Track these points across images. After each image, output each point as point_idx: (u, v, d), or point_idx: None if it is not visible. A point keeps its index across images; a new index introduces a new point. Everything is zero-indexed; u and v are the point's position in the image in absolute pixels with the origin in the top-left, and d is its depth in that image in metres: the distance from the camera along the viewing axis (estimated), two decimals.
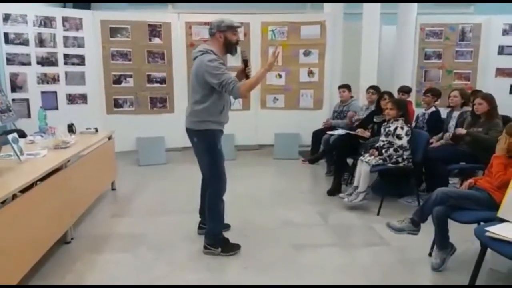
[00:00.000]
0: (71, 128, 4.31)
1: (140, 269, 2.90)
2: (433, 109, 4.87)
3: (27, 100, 5.43)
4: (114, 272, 2.85)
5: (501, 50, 6.35)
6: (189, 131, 3.07)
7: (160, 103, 6.24)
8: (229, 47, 2.98)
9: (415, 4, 6.41)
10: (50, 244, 2.95)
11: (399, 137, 3.92)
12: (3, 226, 2.29)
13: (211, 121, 2.96)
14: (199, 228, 3.46)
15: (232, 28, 2.96)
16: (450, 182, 4.38)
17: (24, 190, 2.59)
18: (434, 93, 4.93)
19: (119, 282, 2.72)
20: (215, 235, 3.11)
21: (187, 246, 3.24)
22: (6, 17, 5.22)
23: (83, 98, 5.87)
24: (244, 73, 3.04)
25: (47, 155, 3.29)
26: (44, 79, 5.55)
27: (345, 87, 5.74)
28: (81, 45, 5.77)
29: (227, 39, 2.94)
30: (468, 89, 5.72)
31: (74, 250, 3.20)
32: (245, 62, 3.04)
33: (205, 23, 6.14)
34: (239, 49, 3.08)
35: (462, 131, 4.06)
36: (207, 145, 3.01)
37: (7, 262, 2.33)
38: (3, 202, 2.31)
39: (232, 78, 2.84)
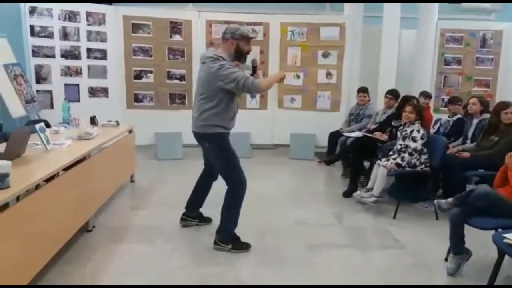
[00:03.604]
0: (93, 120, 4.41)
1: (158, 260, 2.96)
2: (458, 116, 4.85)
3: (50, 91, 5.57)
4: (132, 262, 2.93)
5: None
6: (198, 136, 3.08)
7: (179, 99, 6.32)
8: (239, 56, 3.00)
9: (436, 9, 6.39)
10: (73, 232, 3.04)
11: (414, 140, 3.93)
12: (29, 213, 2.36)
13: (220, 126, 2.99)
14: (182, 219, 3.53)
15: (246, 38, 2.98)
16: (468, 189, 4.35)
17: (49, 179, 2.67)
18: (458, 102, 4.94)
19: (137, 272, 2.79)
20: (228, 233, 3.14)
21: (204, 240, 3.30)
22: (32, 10, 5.36)
23: (105, 91, 5.99)
24: (252, 65, 3.08)
25: (71, 145, 3.39)
26: (67, 71, 5.68)
27: (365, 91, 5.73)
28: (103, 40, 5.89)
29: (238, 47, 2.96)
30: (487, 96, 5.68)
31: (95, 238, 3.29)
32: (254, 68, 3.08)
33: (225, 22, 6.21)
34: (249, 58, 3.10)
35: (465, 155, 4.10)
36: (219, 148, 3.04)
37: (34, 248, 2.42)
38: (36, 187, 2.40)
39: (248, 75, 2.90)
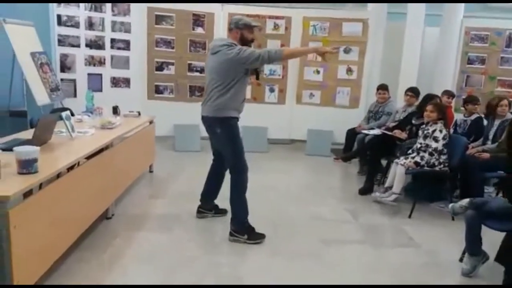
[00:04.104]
0: (115, 110, 4.50)
1: (175, 249, 3.04)
2: (476, 115, 4.79)
3: (74, 80, 5.71)
4: (150, 250, 3.02)
5: None
6: (210, 120, 3.19)
7: (199, 92, 6.38)
8: (244, 43, 3.13)
9: (462, 6, 6.26)
10: (93, 218, 3.14)
11: (436, 140, 3.90)
12: (54, 199, 2.45)
13: (233, 109, 3.12)
14: (198, 212, 3.61)
15: (249, 27, 3.15)
16: (486, 191, 4.32)
17: (71, 167, 2.75)
18: (477, 102, 4.87)
19: (153, 259, 2.88)
20: (241, 221, 3.21)
21: (219, 230, 3.37)
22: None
23: (127, 82, 6.10)
24: (255, 70, 3.29)
25: (94, 134, 3.48)
26: (91, 61, 5.81)
27: (385, 88, 5.68)
28: (127, 31, 5.98)
29: (243, 36, 3.14)
30: (511, 97, 5.56)
31: (114, 226, 3.39)
32: (257, 74, 3.31)
33: (247, 15, 6.20)
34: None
35: (485, 155, 4.05)
36: (230, 133, 3.15)
37: (55, 234, 2.50)
38: (58, 175, 2.49)
39: (268, 48, 3.12)
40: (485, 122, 4.76)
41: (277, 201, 4.19)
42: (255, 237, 3.19)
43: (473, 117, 4.88)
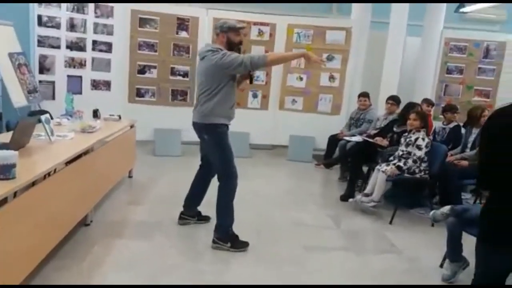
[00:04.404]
0: (96, 114, 4.43)
1: (156, 256, 2.98)
2: (454, 123, 4.90)
3: (53, 82, 5.58)
4: (130, 257, 2.95)
5: None
6: (198, 126, 3.16)
7: (181, 96, 6.33)
8: (232, 47, 3.09)
9: (442, 18, 6.41)
10: (72, 225, 3.05)
11: (419, 148, 3.97)
12: (31, 205, 2.37)
13: (221, 115, 3.07)
14: (180, 218, 3.54)
15: (235, 30, 3.10)
16: (463, 197, 4.40)
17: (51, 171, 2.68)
18: (456, 110, 5.00)
19: (134, 267, 2.81)
20: (225, 230, 3.17)
21: (201, 237, 3.32)
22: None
23: (107, 85, 6.00)
24: (249, 75, 3.24)
25: (74, 138, 3.40)
26: (71, 63, 5.69)
27: (366, 96, 5.77)
28: (110, 33, 5.89)
29: (229, 40, 3.08)
30: (488, 107, 5.71)
31: (93, 233, 3.30)
32: (251, 78, 3.25)
33: None
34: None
35: (464, 163, 4.16)
36: (218, 140, 3.11)
37: (32, 242, 2.42)
38: (33, 183, 2.40)
39: (252, 54, 3.04)
40: (463, 130, 4.88)
41: (260, 206, 4.17)
42: (238, 245, 3.15)
43: (452, 125, 4.99)
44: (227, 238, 3.14)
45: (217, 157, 3.15)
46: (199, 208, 3.60)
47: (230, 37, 3.08)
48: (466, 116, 4.68)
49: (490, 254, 1.95)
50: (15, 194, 2.21)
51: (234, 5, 6.81)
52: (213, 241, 3.17)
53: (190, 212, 3.56)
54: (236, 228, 3.23)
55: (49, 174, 2.64)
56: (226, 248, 3.12)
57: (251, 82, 3.37)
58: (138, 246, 3.13)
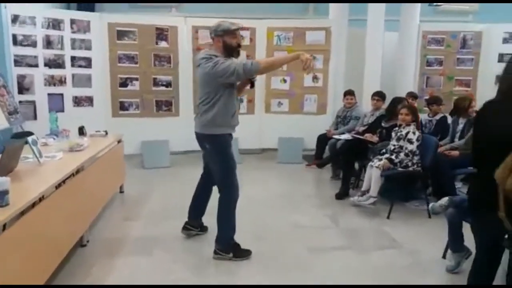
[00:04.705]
0: (81, 131, 4.32)
1: (158, 273, 2.92)
2: (441, 115, 4.98)
3: (33, 102, 5.41)
4: (132, 275, 2.87)
5: (501, 58, 6.47)
6: (200, 136, 3.06)
7: (166, 106, 6.26)
8: (230, 51, 2.94)
9: (418, 12, 6.52)
10: (69, 248, 2.95)
11: (410, 142, 4.01)
12: (27, 232, 2.28)
13: (223, 125, 2.97)
14: (185, 228, 3.45)
15: (230, 32, 2.91)
16: (456, 186, 4.46)
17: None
18: (441, 102, 5.07)
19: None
20: (227, 241, 3.11)
21: (203, 250, 3.26)
22: (15, 19, 5.20)
23: (89, 100, 5.88)
24: (249, 80, 3.10)
25: (63, 158, 3.31)
26: (51, 81, 5.54)
27: (352, 94, 5.81)
28: (88, 48, 5.78)
29: (226, 44, 2.91)
30: (469, 96, 5.82)
31: (91, 253, 3.21)
32: (252, 83, 3.12)
33: None
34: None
35: (455, 153, 4.22)
36: (219, 152, 3.02)
37: (31, 268, 2.33)
38: (30, 206, 2.32)
39: (244, 61, 2.84)
40: (448, 120, 4.96)
41: (257, 212, 4.13)
42: (241, 254, 3.10)
43: (438, 116, 5.07)
44: (229, 249, 3.09)
45: (218, 167, 3.06)
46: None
47: (227, 40, 2.90)
48: (450, 107, 4.77)
49: (475, 224, 2.24)
50: (4, 225, 2.06)
51: (212, 13, 6.80)
52: (215, 252, 3.11)
53: (195, 223, 3.47)
54: (236, 237, 3.17)
55: (41, 197, 2.55)
56: (228, 258, 3.07)
57: (251, 86, 3.21)
58: (138, 263, 3.05)
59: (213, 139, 2.99)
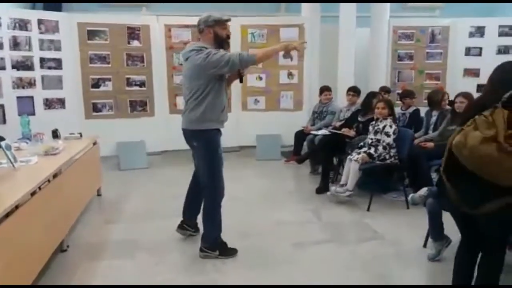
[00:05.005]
0: (55, 134, 4.19)
1: (144, 275, 2.87)
2: (413, 108, 5.11)
3: (2, 105, 5.20)
4: (118, 279, 2.81)
5: (468, 52, 6.71)
6: (188, 133, 3.00)
7: (140, 107, 6.15)
8: (221, 42, 2.91)
9: (388, 7, 6.66)
10: (49, 254, 2.87)
11: (387, 135, 4.09)
12: (5, 239, 2.20)
13: (212, 120, 2.91)
14: (180, 227, 3.39)
15: (221, 22, 2.88)
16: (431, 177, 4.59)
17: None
18: (414, 95, 5.20)
19: None
20: (213, 239, 3.09)
21: (187, 249, 3.24)
22: None
23: (61, 102, 5.70)
24: (238, 73, 3.03)
25: (38, 162, 3.20)
26: (19, 83, 5.33)
27: (330, 90, 5.90)
28: (57, 48, 5.60)
29: (217, 34, 2.87)
30: (439, 89, 6.00)
31: (72, 258, 3.13)
32: (241, 77, 3.05)
33: (185, 26, 6.14)
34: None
35: (430, 145, 4.35)
36: (207, 148, 2.97)
37: (11, 277, 2.24)
38: (7, 215, 2.23)
39: (239, 51, 2.84)
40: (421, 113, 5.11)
41: (239, 210, 4.11)
42: (227, 252, 3.09)
43: (411, 109, 5.21)
44: (215, 247, 3.07)
45: (204, 166, 3.01)
46: None
47: (217, 31, 2.86)
48: (421, 100, 4.91)
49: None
50: None
51: (184, 11, 6.73)
52: (201, 250, 3.08)
53: (190, 222, 3.40)
54: (222, 235, 3.15)
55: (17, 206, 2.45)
56: (214, 256, 3.05)
57: (241, 81, 3.13)
58: (123, 267, 2.99)
59: (200, 135, 2.93)
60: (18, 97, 5.32)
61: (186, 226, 3.40)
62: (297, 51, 2.98)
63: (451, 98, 4.75)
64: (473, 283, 2.27)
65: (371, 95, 4.84)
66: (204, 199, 3.09)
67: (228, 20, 2.94)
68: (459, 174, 2.01)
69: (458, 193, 2.06)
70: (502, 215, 1.99)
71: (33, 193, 2.63)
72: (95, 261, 3.07)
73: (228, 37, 2.95)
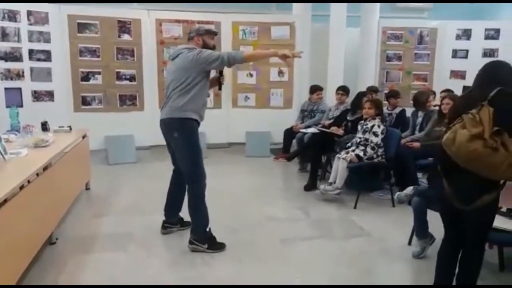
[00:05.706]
0: (45, 126, 4.17)
1: (135, 268, 2.89)
2: (400, 108, 5.21)
3: None
4: (108, 272, 2.83)
5: (455, 54, 6.85)
6: (168, 122, 3.07)
7: (130, 101, 6.14)
8: (207, 49, 3.09)
9: (377, 8, 6.75)
10: (39, 246, 2.87)
11: (375, 134, 4.17)
12: None
13: (193, 111, 3.03)
14: (163, 227, 3.44)
15: (210, 33, 3.19)
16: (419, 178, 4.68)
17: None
18: (399, 95, 5.31)
19: (116, 282, 2.70)
20: (201, 230, 3.13)
21: (176, 243, 3.27)
22: None
23: (50, 95, 5.66)
24: (218, 81, 3.28)
25: (28, 154, 3.18)
26: (7, 75, 5.28)
27: (321, 89, 5.97)
28: (47, 40, 5.55)
29: (205, 42, 3.14)
30: (426, 89, 6.12)
31: (61, 251, 3.13)
32: (220, 72, 3.26)
33: (176, 21, 6.13)
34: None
35: (416, 145, 4.44)
36: (188, 137, 3.05)
37: (0, 269, 2.25)
38: None
39: (226, 51, 3.13)
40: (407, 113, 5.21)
41: (229, 206, 4.15)
42: (216, 246, 3.13)
43: (397, 110, 5.30)
44: (204, 239, 3.11)
45: (185, 157, 3.07)
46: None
47: (206, 40, 3.14)
48: (407, 100, 5.01)
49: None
50: None
51: (176, 5, 6.72)
52: (190, 242, 3.13)
53: (173, 220, 3.45)
54: (211, 230, 3.19)
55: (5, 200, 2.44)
56: (203, 250, 3.10)
57: (219, 88, 3.35)
58: (113, 260, 3.01)
59: (182, 123, 3.02)
60: (6, 89, 5.27)
61: (169, 225, 3.45)
62: (288, 57, 3.06)
63: (438, 98, 4.86)
64: (454, 279, 2.35)
65: (361, 95, 4.92)
66: (188, 193, 3.14)
67: (216, 33, 3.29)
68: (453, 171, 2.12)
69: (452, 190, 2.17)
70: (487, 210, 2.10)
71: (22, 187, 2.62)
72: (86, 254, 3.07)
73: (214, 47, 3.22)
